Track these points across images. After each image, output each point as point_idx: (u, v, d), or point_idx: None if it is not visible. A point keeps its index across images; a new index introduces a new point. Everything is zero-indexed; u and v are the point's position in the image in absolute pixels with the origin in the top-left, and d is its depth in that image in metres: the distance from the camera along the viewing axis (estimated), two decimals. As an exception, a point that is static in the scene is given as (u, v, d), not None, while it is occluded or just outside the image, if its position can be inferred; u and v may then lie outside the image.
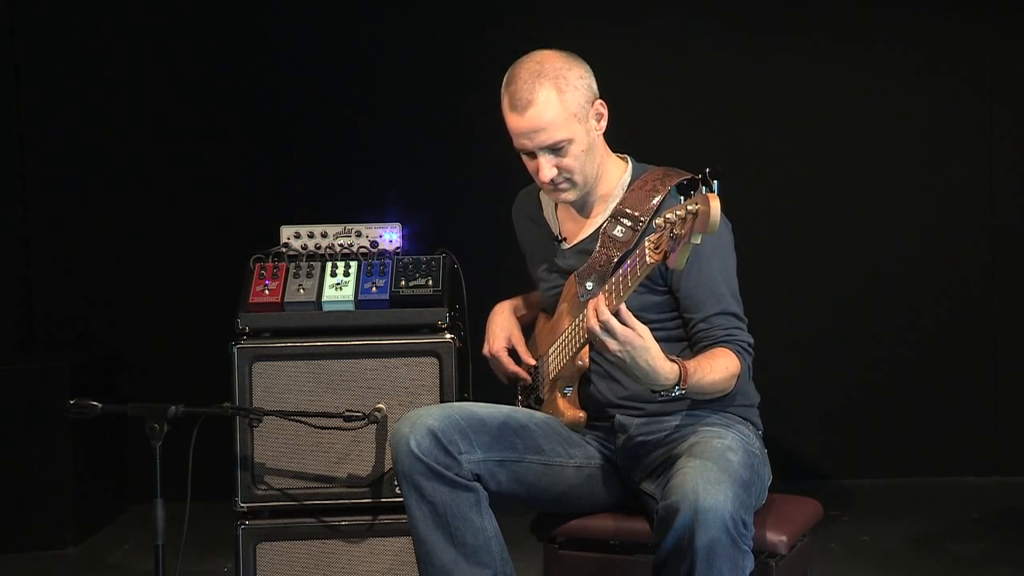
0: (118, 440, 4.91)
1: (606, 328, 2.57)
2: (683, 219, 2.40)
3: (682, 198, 2.44)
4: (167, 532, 3.01)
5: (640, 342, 2.58)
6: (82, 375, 4.60)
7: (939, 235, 5.17)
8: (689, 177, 2.49)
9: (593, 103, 2.87)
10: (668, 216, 2.44)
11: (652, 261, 2.51)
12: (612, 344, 2.58)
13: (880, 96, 5.15)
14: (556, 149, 2.83)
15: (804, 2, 5.16)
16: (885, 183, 5.16)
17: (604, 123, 2.90)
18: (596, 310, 2.59)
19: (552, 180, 2.85)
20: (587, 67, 2.89)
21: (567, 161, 2.84)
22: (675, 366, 2.63)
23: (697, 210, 2.36)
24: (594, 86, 2.88)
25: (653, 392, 2.67)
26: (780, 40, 5.16)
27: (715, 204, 2.34)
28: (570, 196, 2.91)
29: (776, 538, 2.76)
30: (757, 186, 5.08)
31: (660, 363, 2.61)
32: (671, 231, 2.44)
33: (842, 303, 5.18)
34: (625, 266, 2.62)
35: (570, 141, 2.83)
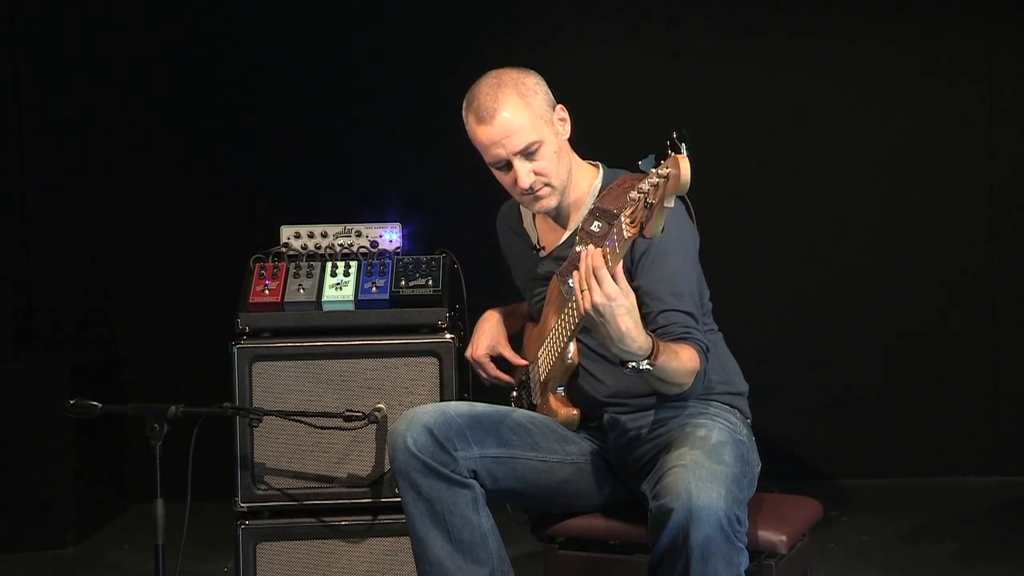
0: (118, 440, 4.91)
1: (594, 273, 2.52)
2: (656, 186, 2.38)
3: (654, 170, 2.41)
4: (167, 532, 3.01)
5: (624, 301, 2.53)
6: (82, 375, 4.60)
7: (939, 234, 5.16)
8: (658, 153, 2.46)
9: (554, 108, 2.94)
10: (641, 187, 2.43)
11: (630, 235, 2.47)
12: (596, 295, 2.52)
13: (880, 95, 5.14)
14: (529, 153, 2.87)
15: (804, 1, 5.16)
16: (885, 182, 5.16)
17: (568, 127, 2.96)
18: (588, 256, 2.54)
19: (531, 186, 2.88)
20: (540, 77, 2.96)
21: (541, 164, 2.88)
22: (650, 339, 2.60)
23: (668, 173, 2.35)
24: (551, 94, 2.95)
25: (621, 364, 2.61)
26: (779, 39, 5.15)
27: (685, 163, 2.33)
28: (551, 201, 2.92)
29: (776, 538, 2.76)
30: (757, 184, 5.07)
31: (637, 331, 2.56)
32: (645, 201, 2.42)
33: (842, 303, 5.17)
34: (604, 247, 2.57)
35: (541, 143, 2.88)
